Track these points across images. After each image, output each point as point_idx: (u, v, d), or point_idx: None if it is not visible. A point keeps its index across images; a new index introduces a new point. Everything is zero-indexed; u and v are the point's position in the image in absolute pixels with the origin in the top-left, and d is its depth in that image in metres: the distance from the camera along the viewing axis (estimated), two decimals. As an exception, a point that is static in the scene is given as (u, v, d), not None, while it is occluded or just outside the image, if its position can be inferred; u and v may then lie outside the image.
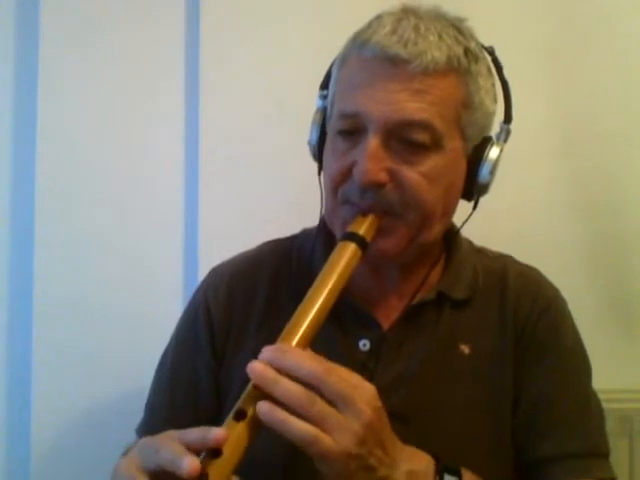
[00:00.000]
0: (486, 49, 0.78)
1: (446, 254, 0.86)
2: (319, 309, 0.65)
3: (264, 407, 0.58)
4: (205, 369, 0.84)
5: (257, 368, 0.59)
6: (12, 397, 1.13)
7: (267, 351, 0.61)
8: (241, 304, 0.85)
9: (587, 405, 0.82)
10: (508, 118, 0.80)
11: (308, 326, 0.64)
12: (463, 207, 0.81)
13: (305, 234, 0.90)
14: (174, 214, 1.18)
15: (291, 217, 1.13)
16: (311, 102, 1.17)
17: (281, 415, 0.57)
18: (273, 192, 1.18)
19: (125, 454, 0.89)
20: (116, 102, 1.16)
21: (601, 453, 0.80)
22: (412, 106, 0.71)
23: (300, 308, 0.66)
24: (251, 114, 1.18)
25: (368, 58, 0.73)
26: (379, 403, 0.62)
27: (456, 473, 0.67)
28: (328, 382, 0.59)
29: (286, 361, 0.60)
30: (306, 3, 1.20)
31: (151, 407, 0.88)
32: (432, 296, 0.81)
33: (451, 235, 0.85)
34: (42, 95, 1.13)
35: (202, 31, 1.16)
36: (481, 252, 0.89)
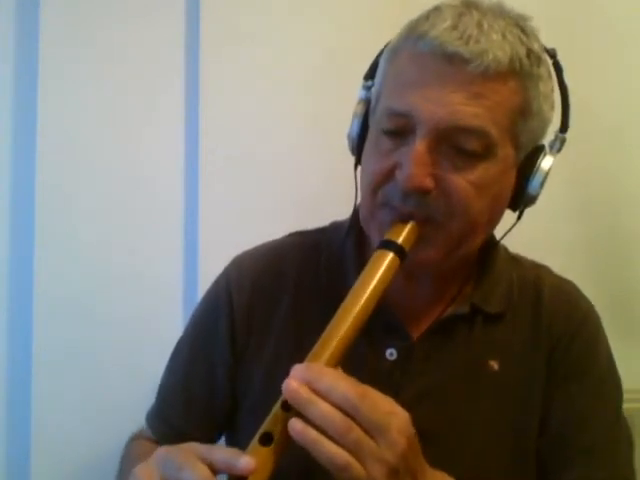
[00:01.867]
0: (548, 51, 0.73)
1: (481, 265, 0.81)
2: (352, 324, 0.61)
3: (297, 425, 0.55)
4: (222, 364, 0.82)
5: (292, 386, 0.56)
6: (12, 397, 1.13)
7: (300, 369, 0.57)
8: (265, 299, 0.82)
9: (616, 431, 0.79)
10: (565, 127, 0.75)
11: (340, 342, 0.60)
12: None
13: (334, 227, 0.86)
14: (174, 214, 1.18)
15: (291, 217, 1.13)
16: (311, 102, 1.17)
17: (314, 435, 0.54)
18: (273, 192, 1.18)
19: (133, 439, 0.88)
20: (116, 102, 1.16)
21: None
22: (468, 110, 0.66)
23: (333, 322, 0.62)
24: (251, 114, 1.18)
25: (424, 53, 0.67)
26: (413, 430, 0.59)
27: None
28: (363, 408, 0.55)
29: (320, 382, 0.56)
30: (306, 3, 1.20)
31: (164, 397, 0.87)
32: (465, 310, 0.77)
33: (489, 246, 0.80)
34: (42, 95, 1.13)
35: (202, 31, 1.16)
36: (516, 260, 0.86)
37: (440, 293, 0.79)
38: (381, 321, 0.75)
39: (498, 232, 0.81)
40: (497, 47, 0.66)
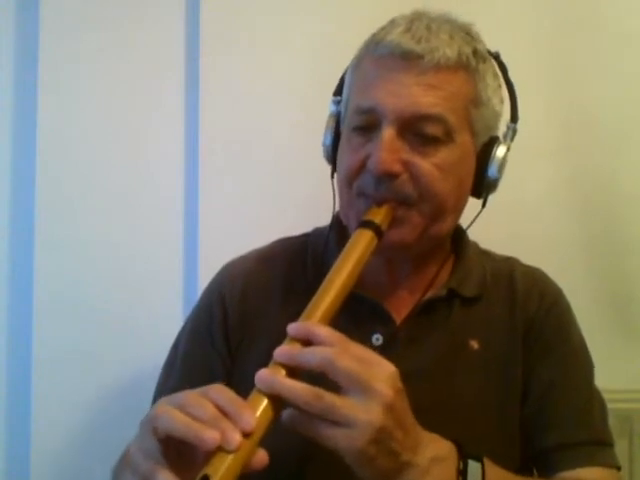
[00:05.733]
0: (491, 54, 0.81)
1: (455, 253, 0.88)
2: (338, 291, 0.66)
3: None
4: (219, 362, 0.84)
5: (263, 375, 0.58)
6: (12, 397, 1.13)
7: (280, 352, 0.60)
8: (256, 302, 0.86)
9: (591, 399, 0.84)
10: (514, 118, 0.82)
11: (328, 306, 0.65)
12: (468, 210, 0.83)
13: (317, 232, 0.91)
14: (174, 214, 1.18)
15: (291, 217, 1.13)
16: (311, 102, 1.17)
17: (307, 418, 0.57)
18: (273, 192, 1.18)
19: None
20: (116, 102, 1.16)
21: (606, 442, 0.82)
22: (426, 100, 0.74)
23: (320, 290, 0.67)
24: (251, 114, 1.18)
25: (383, 55, 0.76)
26: (399, 384, 0.61)
27: (478, 460, 0.67)
28: (338, 366, 0.57)
29: (299, 357, 0.59)
30: (306, 3, 1.20)
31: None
32: (443, 293, 0.82)
33: (459, 235, 0.87)
34: (42, 95, 1.13)
35: (202, 31, 1.16)
36: (487, 254, 0.91)
37: (418, 278, 0.84)
38: (366, 308, 0.81)
39: (481, 228, 0.84)
40: (445, 45, 0.75)
